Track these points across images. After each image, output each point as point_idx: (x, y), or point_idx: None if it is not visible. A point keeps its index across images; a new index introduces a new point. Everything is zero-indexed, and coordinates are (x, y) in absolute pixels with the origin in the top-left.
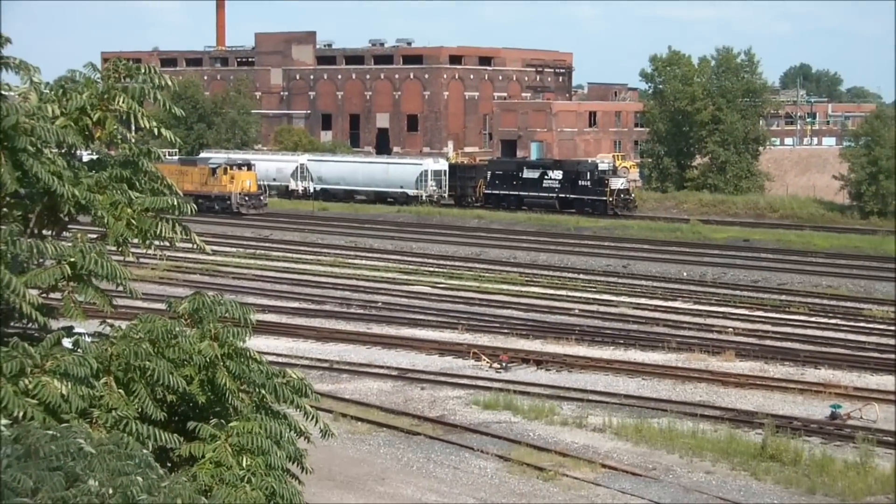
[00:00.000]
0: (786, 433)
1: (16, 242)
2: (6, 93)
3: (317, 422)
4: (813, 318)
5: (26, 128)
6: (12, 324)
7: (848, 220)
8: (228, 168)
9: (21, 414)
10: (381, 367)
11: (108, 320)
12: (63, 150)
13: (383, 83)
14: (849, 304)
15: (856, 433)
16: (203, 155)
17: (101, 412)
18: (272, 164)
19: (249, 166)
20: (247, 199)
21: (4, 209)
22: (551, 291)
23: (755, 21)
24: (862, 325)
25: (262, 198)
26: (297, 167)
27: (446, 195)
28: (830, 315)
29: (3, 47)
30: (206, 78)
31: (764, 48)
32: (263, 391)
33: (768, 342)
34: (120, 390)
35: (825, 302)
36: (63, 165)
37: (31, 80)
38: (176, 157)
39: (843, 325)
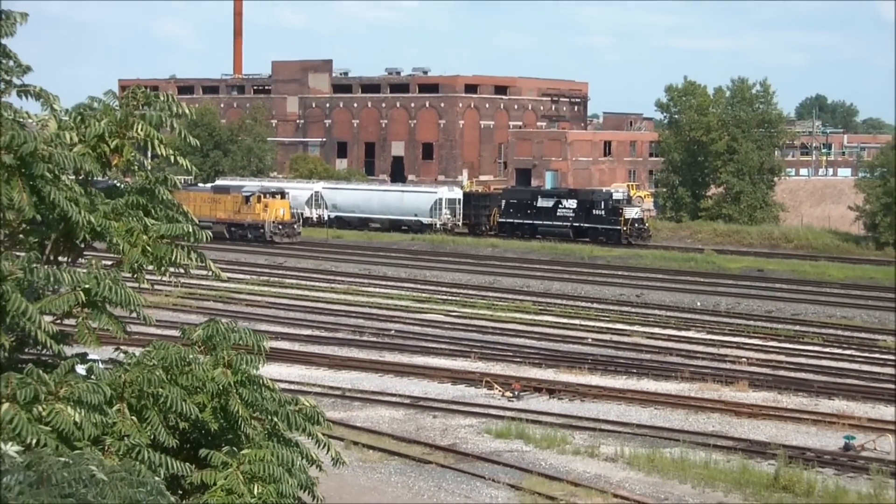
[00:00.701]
0: (799, 464)
1: (33, 270)
2: (26, 120)
3: (328, 450)
4: (827, 349)
5: (44, 154)
6: (27, 350)
7: (863, 250)
8: (262, 196)
9: (34, 441)
10: (394, 395)
11: (122, 347)
12: (80, 178)
13: (399, 111)
14: (863, 335)
15: (870, 465)
16: (236, 182)
17: (114, 439)
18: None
19: (283, 194)
20: (280, 227)
21: (20, 235)
22: (564, 320)
23: (771, 52)
24: (876, 356)
25: (295, 226)
26: (311, 195)
27: (460, 223)
28: (845, 346)
29: (24, 75)
30: (222, 105)
31: (779, 79)
32: (276, 419)
33: (782, 372)
34: (133, 417)
35: (839, 333)
36: (80, 192)
37: (50, 107)
38: (209, 185)
39: (858, 356)
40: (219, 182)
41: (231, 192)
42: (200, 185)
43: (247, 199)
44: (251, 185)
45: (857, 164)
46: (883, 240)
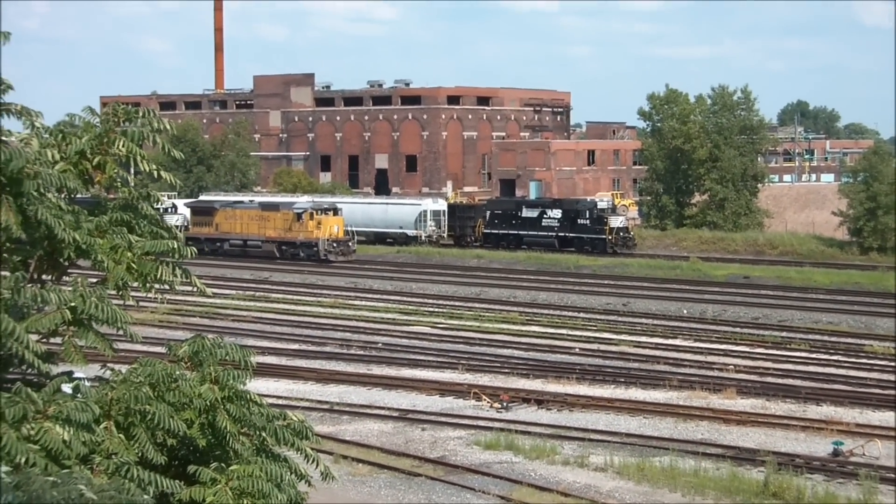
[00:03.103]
0: (788, 471)
1: (20, 290)
2: (8, 139)
3: (317, 464)
4: (814, 355)
5: (30, 172)
6: (11, 370)
7: (847, 256)
8: (315, 213)
9: (23, 460)
10: (382, 408)
11: (109, 364)
12: (63, 195)
13: (382, 124)
14: (850, 340)
15: (858, 470)
16: (286, 199)
17: (102, 458)
18: None
19: (336, 211)
20: (335, 245)
21: (4, 255)
22: (551, 330)
23: (749, 59)
24: (863, 361)
25: (350, 244)
26: None
27: (446, 235)
28: (832, 351)
29: (5, 94)
30: (204, 121)
31: (760, 86)
32: (264, 434)
33: (770, 379)
34: (120, 435)
35: (826, 338)
36: (65, 210)
37: (32, 124)
38: (256, 202)
39: (845, 362)
40: (268, 199)
41: (281, 209)
42: (246, 201)
43: (298, 216)
44: (302, 201)
45: (839, 169)
46: (867, 244)
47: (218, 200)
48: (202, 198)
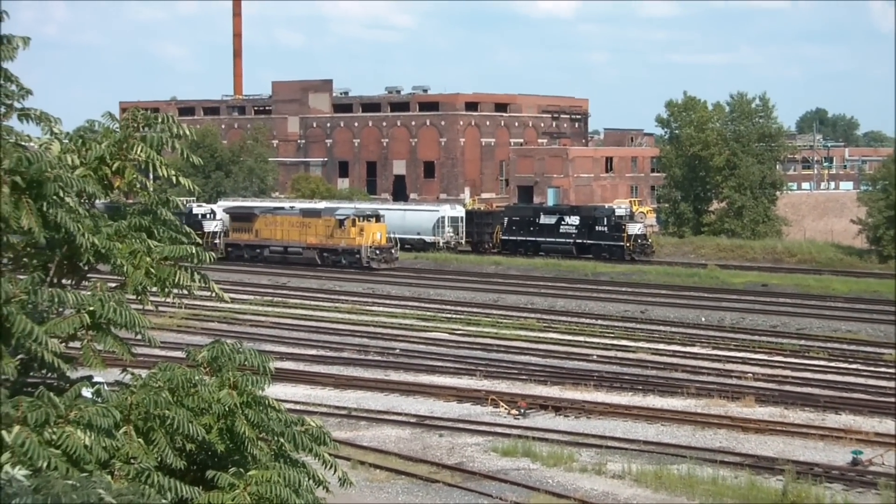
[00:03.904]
0: (807, 479)
1: (37, 292)
2: (28, 144)
3: (335, 470)
4: (833, 364)
5: (50, 176)
6: (32, 374)
7: (866, 264)
8: (357, 219)
9: (44, 465)
10: (400, 414)
11: (129, 369)
12: (83, 200)
13: (400, 130)
14: (868, 348)
15: (878, 479)
16: (328, 205)
17: (122, 463)
18: None
19: (378, 217)
20: (377, 252)
21: (24, 259)
22: (569, 337)
23: (767, 66)
24: (882, 370)
25: (393, 251)
26: None
27: (463, 241)
28: (850, 360)
29: (25, 99)
30: (223, 126)
31: (779, 93)
32: (282, 439)
33: (788, 387)
34: (139, 439)
35: (845, 347)
36: (84, 214)
37: (51, 130)
38: (297, 208)
39: (864, 371)
40: (309, 205)
41: (323, 216)
42: (287, 207)
43: (341, 222)
44: (344, 207)
45: (858, 177)
46: (886, 253)
47: (258, 206)
48: (241, 203)
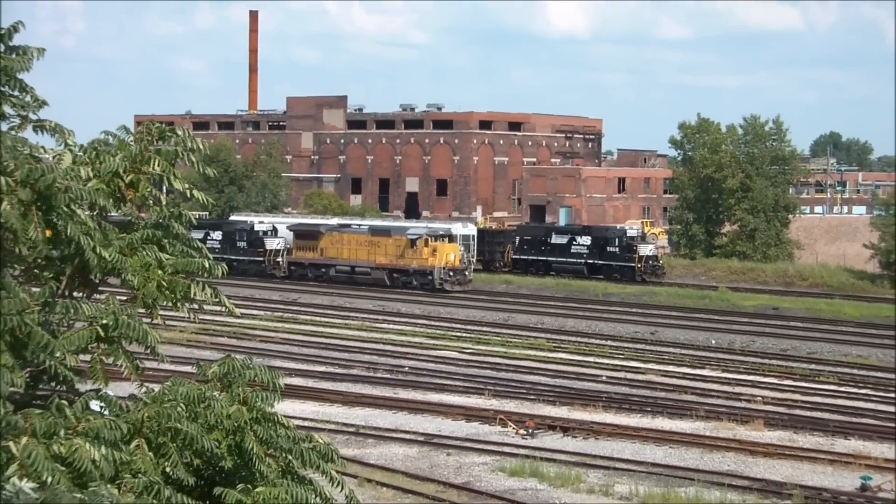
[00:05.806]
0: None
1: (50, 304)
2: (42, 155)
3: (342, 488)
4: (843, 388)
5: (60, 187)
6: (41, 386)
7: (878, 289)
8: (430, 239)
9: (50, 479)
10: (407, 432)
11: (143, 382)
12: (94, 212)
13: (413, 147)
14: (879, 374)
15: None
16: (400, 224)
17: (130, 477)
18: None
19: (451, 237)
20: (451, 274)
21: (35, 270)
22: (579, 358)
23: (781, 89)
24: (892, 395)
25: (466, 273)
26: None
27: (475, 259)
28: (861, 385)
29: (40, 110)
30: (237, 141)
31: (793, 116)
32: (290, 456)
33: (798, 412)
34: (150, 454)
35: (855, 372)
36: (94, 227)
37: (65, 142)
38: (365, 227)
39: (874, 396)
40: (378, 223)
41: (393, 235)
42: (355, 225)
43: (412, 242)
44: (416, 226)
45: (872, 201)
46: None
47: (323, 224)
48: (306, 220)
